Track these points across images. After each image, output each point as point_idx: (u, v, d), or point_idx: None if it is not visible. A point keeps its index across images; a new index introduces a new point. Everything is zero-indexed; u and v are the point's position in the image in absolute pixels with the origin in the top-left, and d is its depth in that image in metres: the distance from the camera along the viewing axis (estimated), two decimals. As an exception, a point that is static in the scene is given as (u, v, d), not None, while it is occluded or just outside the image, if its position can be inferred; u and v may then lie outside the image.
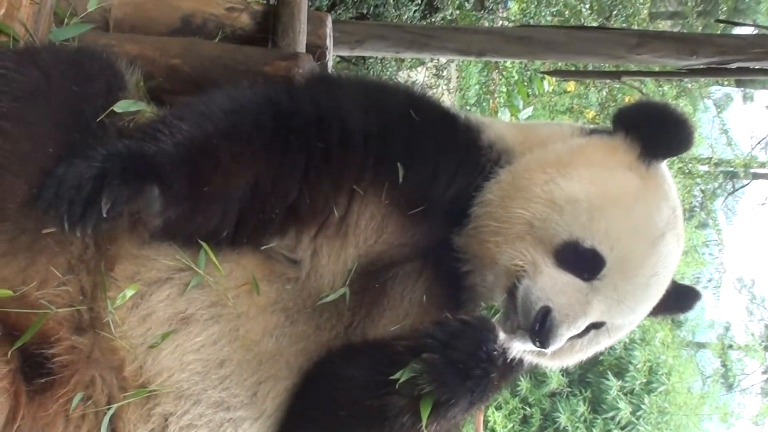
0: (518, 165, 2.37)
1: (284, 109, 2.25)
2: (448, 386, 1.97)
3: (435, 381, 1.97)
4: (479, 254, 2.30)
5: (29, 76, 2.10)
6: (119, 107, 2.27)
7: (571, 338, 2.19)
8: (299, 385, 2.36)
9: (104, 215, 1.85)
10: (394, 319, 2.30)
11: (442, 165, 2.35)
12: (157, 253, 2.26)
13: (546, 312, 2.09)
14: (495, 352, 2.03)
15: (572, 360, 2.42)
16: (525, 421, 11.09)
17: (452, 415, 2.02)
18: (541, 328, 2.07)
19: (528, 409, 10.78)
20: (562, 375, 10.29)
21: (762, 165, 14.03)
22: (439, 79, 8.47)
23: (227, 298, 2.26)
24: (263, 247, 2.26)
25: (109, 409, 2.21)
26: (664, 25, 12.82)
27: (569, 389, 10.71)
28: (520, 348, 2.18)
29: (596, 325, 2.25)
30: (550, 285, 2.14)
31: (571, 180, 2.25)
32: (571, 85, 9.98)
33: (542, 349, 2.11)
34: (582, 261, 2.18)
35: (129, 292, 2.21)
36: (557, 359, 2.40)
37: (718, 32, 9.53)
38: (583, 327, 2.17)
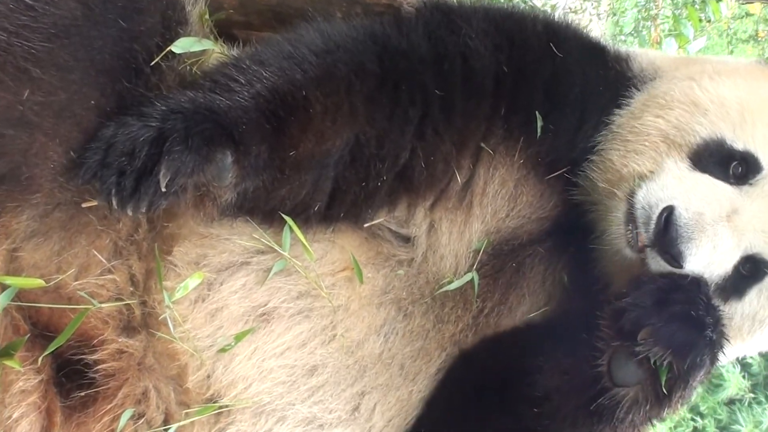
0: (660, 81, 2.12)
1: (392, 48, 1.92)
2: (686, 347, 1.65)
3: (670, 348, 1.65)
4: (603, 184, 1.99)
5: (64, 8, 1.75)
6: (179, 46, 1.89)
7: (747, 283, 1.88)
8: (428, 391, 2.00)
9: (163, 190, 1.58)
10: (534, 305, 2.02)
11: (589, 112, 2.05)
12: (230, 232, 1.92)
13: (669, 211, 1.78)
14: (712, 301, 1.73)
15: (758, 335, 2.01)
16: (695, 434, 9.49)
17: (697, 381, 1.70)
18: (665, 233, 1.75)
19: (699, 420, 9.01)
20: (743, 377, 8.63)
21: None
22: (586, 1, 7.05)
23: (320, 287, 1.91)
24: (366, 224, 1.94)
25: (167, 430, 1.89)
26: None
27: (752, 395, 8.92)
28: (656, 269, 1.84)
29: None
30: (676, 183, 1.85)
31: (722, 85, 2.02)
32: (755, 7, 8.76)
33: (679, 268, 1.76)
34: (728, 163, 1.91)
35: (193, 282, 1.85)
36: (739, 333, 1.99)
37: None
38: (734, 243, 1.83)
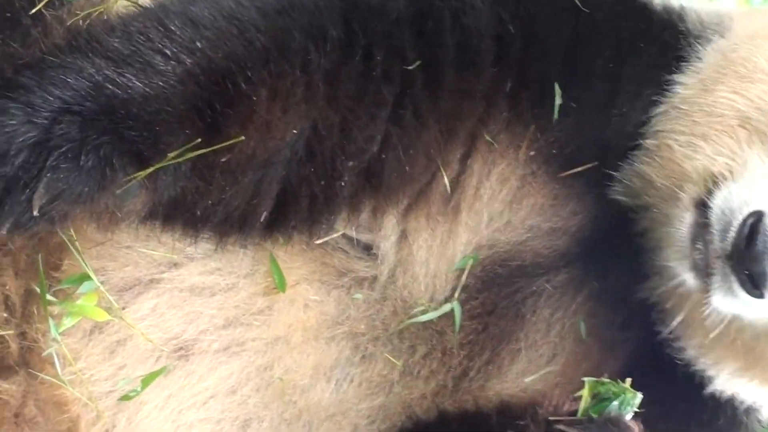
0: (732, 39, 1.75)
1: (361, 5, 1.58)
2: None
3: None
4: (660, 181, 1.65)
5: None
6: None
7: None
8: None
9: (34, 214, 1.30)
10: (533, 365, 1.67)
11: (627, 83, 1.68)
12: (136, 238, 1.60)
13: (757, 218, 1.46)
14: None
15: None
16: None
17: None
18: (749, 245, 1.43)
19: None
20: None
21: None
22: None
23: (252, 310, 1.61)
24: (320, 240, 1.60)
25: None
26: None
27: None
28: (722, 306, 1.52)
29: None
30: (765, 183, 1.53)
31: None
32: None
33: (759, 297, 1.45)
34: None
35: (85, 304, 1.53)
36: None
37: None
38: None
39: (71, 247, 1.53)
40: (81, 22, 1.59)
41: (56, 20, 1.58)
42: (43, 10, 1.54)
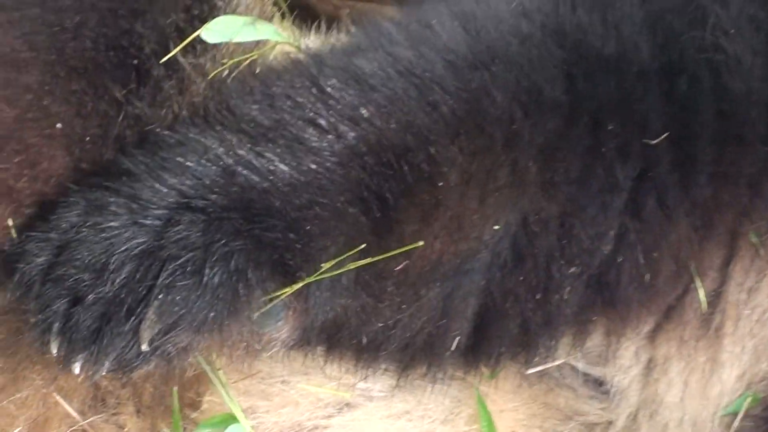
0: None
1: (590, 55, 1.21)
2: None
3: None
4: None
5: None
6: (213, 31, 1.25)
7: None
8: None
9: (143, 348, 1.03)
10: None
11: None
12: (294, 374, 1.28)
13: None
14: None
15: None
16: None
17: None
18: None
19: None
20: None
21: None
22: None
23: None
24: (533, 369, 1.28)
25: None
26: None
27: None
28: None
29: None
30: None
31: None
32: None
33: None
34: None
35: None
36: None
37: None
38: None
39: (214, 379, 1.19)
40: (226, 73, 1.29)
41: (196, 71, 1.26)
42: (179, 57, 1.24)
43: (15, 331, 1.19)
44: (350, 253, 1.07)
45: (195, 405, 1.24)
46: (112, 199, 1.07)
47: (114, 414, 1.24)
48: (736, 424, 1.21)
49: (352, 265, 1.07)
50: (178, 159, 1.10)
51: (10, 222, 1.10)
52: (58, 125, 1.13)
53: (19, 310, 1.15)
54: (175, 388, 1.20)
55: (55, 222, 1.09)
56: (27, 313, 1.11)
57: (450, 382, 1.25)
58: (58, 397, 1.20)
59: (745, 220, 1.23)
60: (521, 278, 1.20)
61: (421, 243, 1.10)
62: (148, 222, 1.05)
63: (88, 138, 1.15)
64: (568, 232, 1.20)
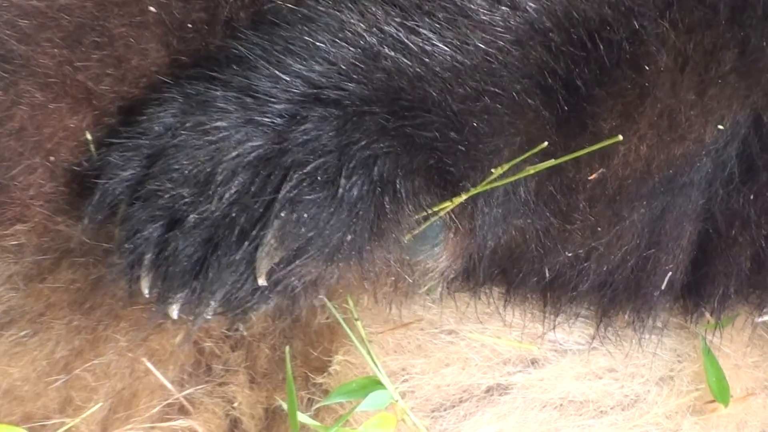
0: None
1: None
2: None
3: None
4: None
5: None
6: None
7: None
8: None
9: (261, 283, 0.87)
10: None
11: None
12: (462, 320, 1.07)
13: None
14: None
15: None
16: None
17: None
18: None
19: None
20: None
21: None
22: None
23: None
24: (763, 318, 1.05)
25: None
26: None
27: None
28: None
29: None
30: None
31: None
32: None
33: None
34: None
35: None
36: None
37: None
38: None
39: (348, 332, 0.95)
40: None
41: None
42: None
43: (94, 279, 0.98)
44: (529, 152, 0.86)
45: (322, 368, 1.01)
46: (218, 93, 0.90)
47: (220, 384, 1.02)
48: None
49: (531, 169, 0.86)
50: (306, 38, 0.93)
51: (88, 135, 0.91)
52: (152, 9, 0.94)
53: (99, 249, 0.96)
54: (288, 347, 0.96)
55: (146, 124, 0.92)
56: (109, 251, 0.93)
57: (666, 331, 1.03)
58: (148, 364, 1.00)
59: None
60: (753, 197, 1.01)
61: (619, 137, 0.87)
62: (266, 120, 0.89)
63: (189, 24, 0.95)
64: None
